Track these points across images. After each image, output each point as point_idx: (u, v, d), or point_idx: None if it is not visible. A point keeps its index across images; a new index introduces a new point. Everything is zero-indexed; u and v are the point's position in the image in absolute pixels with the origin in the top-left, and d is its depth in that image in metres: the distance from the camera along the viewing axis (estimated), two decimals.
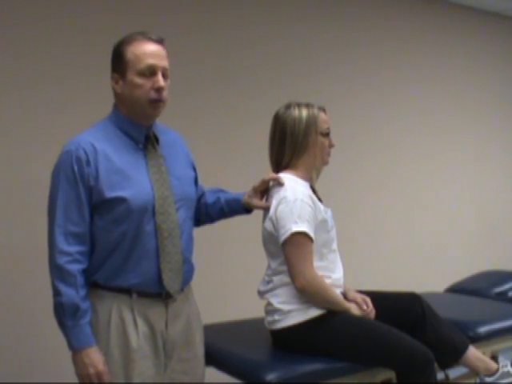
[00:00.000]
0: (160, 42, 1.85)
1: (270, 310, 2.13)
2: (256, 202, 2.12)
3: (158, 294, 1.86)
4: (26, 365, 2.75)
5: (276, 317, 2.10)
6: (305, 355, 2.05)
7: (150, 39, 1.82)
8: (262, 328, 2.19)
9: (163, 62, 1.83)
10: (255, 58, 3.51)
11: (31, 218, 2.71)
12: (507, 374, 2.28)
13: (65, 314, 1.73)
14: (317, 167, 2.23)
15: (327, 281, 2.09)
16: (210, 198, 2.14)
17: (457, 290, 3.22)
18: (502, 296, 3.07)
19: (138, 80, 1.80)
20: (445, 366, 2.25)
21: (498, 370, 2.27)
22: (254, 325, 2.39)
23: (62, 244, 1.74)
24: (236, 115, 3.43)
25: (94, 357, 1.75)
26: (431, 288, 3.29)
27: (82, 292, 1.76)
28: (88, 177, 1.76)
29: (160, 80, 1.80)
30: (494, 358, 2.36)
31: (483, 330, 2.45)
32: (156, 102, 1.83)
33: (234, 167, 3.34)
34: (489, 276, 3.34)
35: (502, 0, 4.45)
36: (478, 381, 2.29)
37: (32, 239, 2.61)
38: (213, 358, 2.13)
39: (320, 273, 2.08)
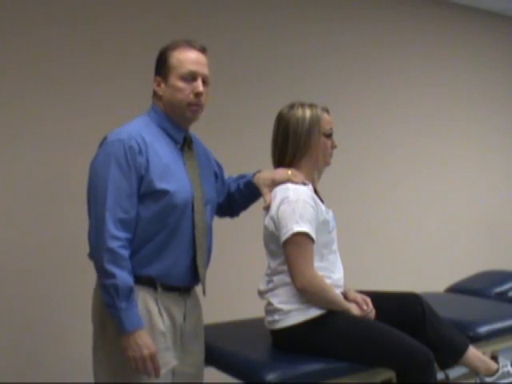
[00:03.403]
0: (202, 50, 1.94)
1: (270, 309, 2.13)
2: (267, 193, 2.13)
3: (178, 287, 1.91)
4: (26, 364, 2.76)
5: (276, 317, 2.09)
6: (305, 355, 2.04)
7: (193, 47, 1.91)
8: (262, 328, 2.19)
9: (204, 70, 1.92)
10: (259, 60, 3.54)
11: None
12: (507, 374, 2.28)
13: (119, 296, 1.74)
14: (319, 168, 2.23)
15: (327, 281, 2.09)
16: (232, 187, 2.21)
17: (457, 289, 3.22)
18: (502, 296, 3.07)
19: (180, 84, 1.88)
20: (445, 366, 2.24)
21: (498, 370, 2.27)
22: (254, 325, 2.39)
23: (113, 229, 1.75)
24: (238, 116, 3.44)
25: (147, 338, 1.78)
26: (431, 288, 3.28)
27: (132, 277, 1.78)
28: (140, 166, 1.80)
29: (200, 85, 1.89)
30: (494, 358, 2.35)
31: (483, 330, 2.45)
32: (194, 106, 1.91)
33: (234, 167, 3.34)
34: (489, 276, 3.33)
35: (502, 0, 4.45)
36: (478, 381, 2.28)
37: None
38: (213, 357, 2.13)
39: (320, 273, 2.07)
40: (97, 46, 2.98)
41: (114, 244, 1.75)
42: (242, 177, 2.22)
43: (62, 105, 2.89)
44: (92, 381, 1.92)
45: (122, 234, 1.77)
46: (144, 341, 1.76)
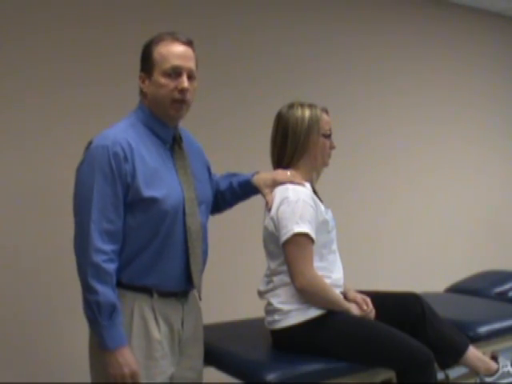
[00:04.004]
0: (188, 43, 1.85)
1: (270, 309, 2.13)
2: (269, 194, 2.10)
3: (175, 293, 1.87)
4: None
5: (276, 317, 2.09)
6: (305, 355, 2.04)
7: (178, 40, 1.82)
8: (262, 328, 2.19)
9: (189, 64, 1.83)
10: (260, 62, 3.54)
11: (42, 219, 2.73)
12: (507, 374, 2.28)
13: (101, 313, 1.69)
14: (317, 168, 2.23)
15: (327, 281, 2.09)
16: (222, 185, 2.14)
17: (457, 289, 3.22)
18: (502, 296, 3.07)
19: (163, 80, 1.80)
20: (445, 366, 2.24)
21: (498, 370, 2.27)
22: (254, 325, 2.39)
23: (98, 242, 1.69)
24: (239, 117, 3.44)
25: (129, 356, 1.73)
26: (431, 288, 3.28)
27: (116, 291, 1.73)
28: (126, 174, 1.72)
29: (184, 81, 1.81)
30: (494, 358, 2.35)
31: (483, 330, 2.45)
32: (178, 103, 1.82)
33: (235, 168, 3.34)
34: (489, 276, 3.33)
35: (502, 0, 4.45)
36: (478, 381, 2.28)
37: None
38: (213, 358, 2.13)
39: (320, 273, 2.07)
40: (95, 49, 2.96)
41: (98, 258, 1.68)
42: (233, 175, 2.16)
43: (61, 107, 2.89)
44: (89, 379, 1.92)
45: (107, 247, 1.70)
46: (125, 359, 1.71)
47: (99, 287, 1.69)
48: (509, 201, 4.82)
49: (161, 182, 1.79)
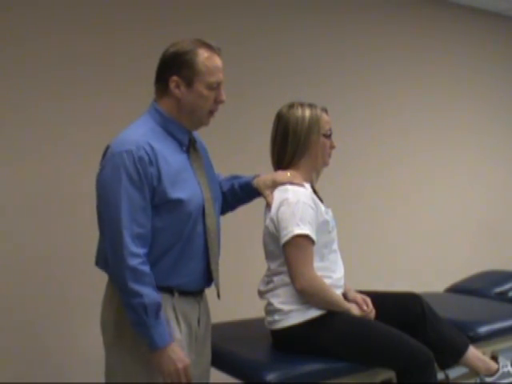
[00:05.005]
0: (220, 53, 1.90)
1: (271, 310, 2.13)
2: (270, 195, 2.12)
3: (194, 292, 1.90)
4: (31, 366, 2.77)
5: (276, 317, 2.09)
6: (305, 355, 2.05)
7: (215, 51, 1.87)
8: (262, 328, 2.19)
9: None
10: (262, 63, 3.53)
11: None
12: (507, 374, 2.28)
13: (148, 314, 1.70)
14: (317, 168, 2.23)
15: (328, 281, 2.09)
16: (225, 187, 2.16)
17: (457, 290, 3.22)
18: (502, 296, 3.07)
19: (206, 92, 1.84)
20: (445, 366, 2.25)
21: (498, 370, 2.27)
22: (254, 325, 2.39)
23: (132, 246, 1.70)
24: (242, 117, 3.44)
25: (179, 351, 1.76)
26: (431, 288, 3.28)
27: (157, 291, 1.75)
28: (151, 177, 1.74)
29: (223, 94, 1.89)
30: (494, 358, 2.36)
31: (483, 330, 2.45)
32: (213, 113, 1.90)
33: (236, 167, 3.34)
34: (489, 276, 3.34)
35: (502, 0, 4.45)
36: (478, 381, 2.29)
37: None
38: (213, 357, 2.13)
39: (321, 273, 2.08)
40: (100, 52, 2.96)
41: (134, 261, 1.70)
42: (234, 177, 2.18)
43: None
44: (102, 381, 1.91)
45: (140, 250, 1.72)
46: (177, 354, 1.74)
47: (142, 289, 1.70)
48: (509, 201, 4.82)
49: (184, 183, 1.82)
